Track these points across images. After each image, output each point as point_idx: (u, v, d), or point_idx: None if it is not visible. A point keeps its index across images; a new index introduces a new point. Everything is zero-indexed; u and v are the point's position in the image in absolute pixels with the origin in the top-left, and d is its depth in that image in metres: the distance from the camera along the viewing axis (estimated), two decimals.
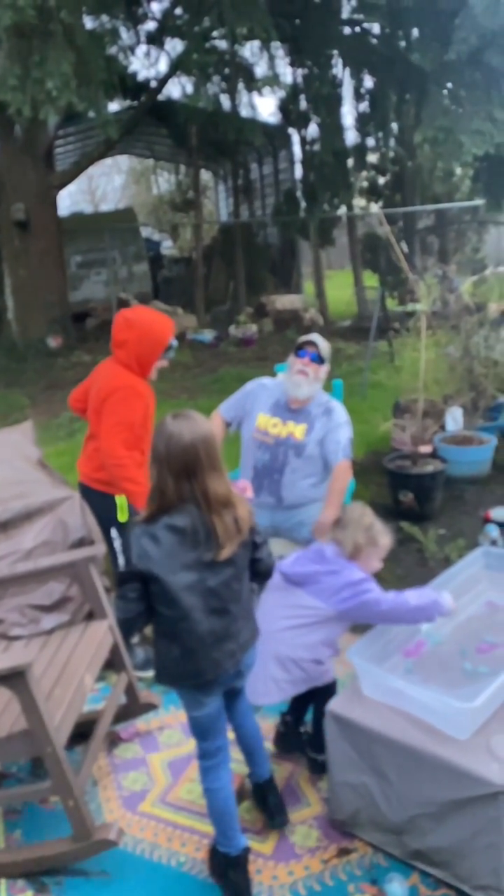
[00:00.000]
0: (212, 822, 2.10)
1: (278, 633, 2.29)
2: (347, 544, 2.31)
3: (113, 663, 2.69)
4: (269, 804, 2.27)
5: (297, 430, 3.18)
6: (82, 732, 2.44)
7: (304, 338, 3.25)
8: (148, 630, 3.16)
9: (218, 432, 3.30)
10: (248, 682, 2.27)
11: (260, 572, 2.06)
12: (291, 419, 3.21)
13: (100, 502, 3.04)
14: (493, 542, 3.85)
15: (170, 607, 1.85)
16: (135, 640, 3.17)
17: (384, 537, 2.35)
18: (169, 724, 2.80)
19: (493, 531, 3.94)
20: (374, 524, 2.35)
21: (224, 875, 2.08)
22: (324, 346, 3.21)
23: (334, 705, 2.19)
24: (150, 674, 3.04)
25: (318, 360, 3.17)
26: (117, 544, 3.04)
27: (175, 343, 3.05)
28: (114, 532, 3.05)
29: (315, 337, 3.24)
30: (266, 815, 2.28)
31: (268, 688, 2.30)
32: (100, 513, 3.05)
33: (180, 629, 1.87)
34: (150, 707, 2.84)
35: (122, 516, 2.97)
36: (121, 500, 3.00)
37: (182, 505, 1.84)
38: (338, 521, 2.40)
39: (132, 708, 2.78)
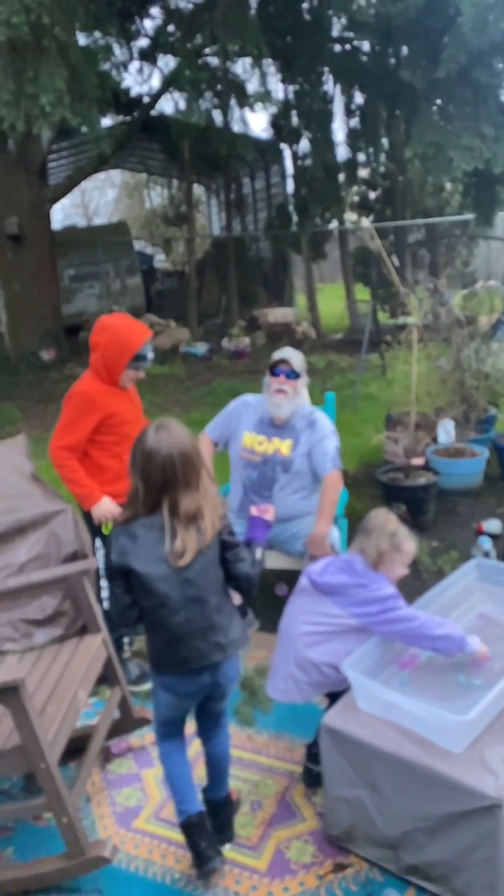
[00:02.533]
0: (169, 788, 2.21)
1: (301, 636, 2.33)
2: (371, 551, 2.31)
3: (106, 678, 2.68)
4: (216, 822, 2.27)
5: (283, 446, 3.19)
6: (76, 748, 2.43)
7: (276, 356, 3.23)
8: (140, 644, 3.17)
9: (207, 452, 3.34)
10: (270, 679, 2.40)
11: (231, 575, 2.07)
12: (277, 435, 3.21)
13: (85, 514, 3.05)
14: (486, 554, 3.86)
15: (147, 597, 1.96)
16: (126, 654, 3.16)
17: (408, 543, 2.36)
18: None
19: (486, 543, 3.95)
20: (399, 530, 2.35)
21: (189, 842, 2.16)
22: (297, 359, 3.20)
23: (328, 719, 2.19)
24: (143, 688, 3.03)
25: (294, 375, 3.16)
26: (100, 555, 3.04)
27: (150, 354, 2.99)
28: (98, 543, 3.05)
29: (286, 353, 3.22)
30: (212, 829, 2.26)
31: (288, 686, 2.35)
32: (88, 523, 3.05)
33: (160, 617, 1.97)
34: (144, 722, 2.82)
35: (106, 529, 2.97)
36: None
37: (154, 513, 1.96)
38: (361, 529, 2.39)
39: (126, 723, 2.76)
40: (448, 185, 11.78)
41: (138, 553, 1.93)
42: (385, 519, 2.37)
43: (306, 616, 2.36)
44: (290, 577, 3.63)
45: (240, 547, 2.07)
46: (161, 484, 1.92)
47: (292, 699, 2.39)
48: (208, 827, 2.18)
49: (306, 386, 3.47)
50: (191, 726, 2.28)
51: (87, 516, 3.05)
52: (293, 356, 3.20)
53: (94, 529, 3.02)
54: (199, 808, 2.19)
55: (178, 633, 1.98)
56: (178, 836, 2.31)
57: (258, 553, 2.14)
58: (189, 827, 2.16)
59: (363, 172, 12.89)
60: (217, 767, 2.29)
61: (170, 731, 2.21)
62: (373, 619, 2.27)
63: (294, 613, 2.41)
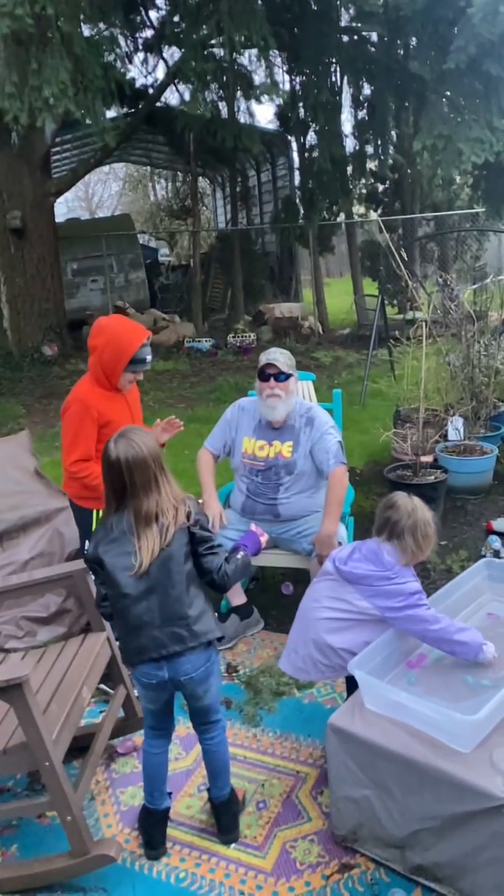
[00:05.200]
0: (143, 781, 2.30)
1: (322, 621, 2.34)
2: (410, 542, 2.30)
3: (111, 676, 2.66)
4: (221, 822, 2.32)
5: (284, 449, 3.16)
6: (80, 746, 2.42)
7: (262, 360, 3.17)
8: None
9: (208, 468, 3.32)
10: (286, 655, 2.45)
11: (203, 570, 2.10)
12: (277, 438, 3.19)
13: (77, 515, 3.02)
14: (496, 553, 3.82)
15: (111, 587, 2.06)
16: None
17: (433, 525, 2.39)
18: None
19: (496, 542, 3.91)
20: (429, 514, 2.37)
21: (143, 826, 2.30)
22: (283, 360, 3.14)
23: (335, 719, 2.17)
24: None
25: (283, 377, 3.11)
26: None
27: (148, 357, 2.90)
28: (87, 544, 2.99)
29: (272, 356, 3.16)
30: (218, 829, 2.32)
31: (306, 666, 2.39)
32: (79, 525, 3.03)
33: (121, 607, 2.06)
34: None
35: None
36: (98, 514, 2.95)
37: (121, 512, 2.08)
38: (392, 520, 2.34)
39: (130, 722, 2.74)
40: (458, 178, 11.67)
41: (107, 544, 2.05)
42: (415, 505, 2.36)
43: (329, 601, 2.37)
44: (297, 576, 3.62)
45: (212, 541, 2.11)
46: (120, 489, 2.04)
47: (309, 678, 2.45)
48: (165, 822, 2.30)
49: (299, 380, 3.43)
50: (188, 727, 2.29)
51: (79, 518, 3.01)
52: (279, 358, 3.14)
53: (86, 531, 2.98)
54: (164, 804, 2.30)
55: (137, 623, 2.05)
56: (182, 836, 2.31)
57: (240, 555, 2.19)
58: (149, 814, 2.29)
59: (371, 165, 12.81)
60: (212, 765, 2.30)
61: (153, 726, 2.25)
62: (395, 614, 2.27)
63: (317, 596, 2.42)
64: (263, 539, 2.37)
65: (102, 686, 2.80)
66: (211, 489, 3.28)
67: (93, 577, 2.21)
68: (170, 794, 2.35)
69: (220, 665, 2.27)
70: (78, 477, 2.85)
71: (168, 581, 2.03)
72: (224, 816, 2.30)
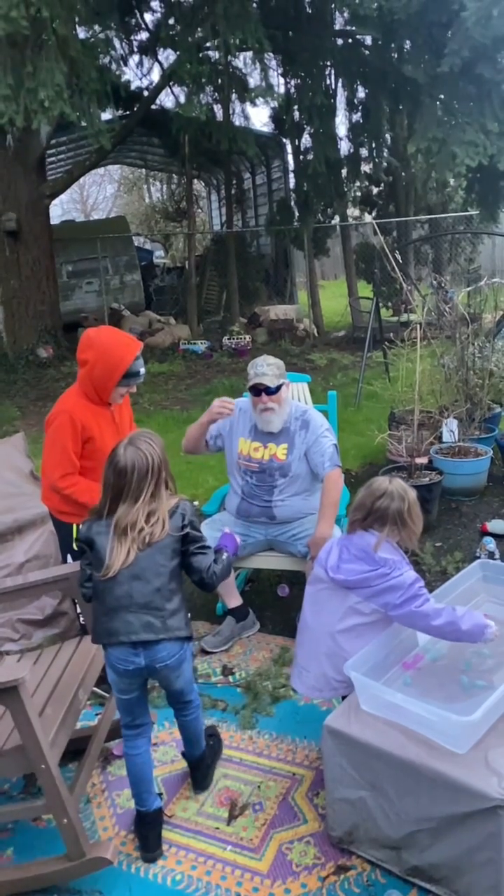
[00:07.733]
0: (130, 785, 2.32)
1: (336, 634, 2.33)
2: (409, 532, 2.32)
3: (106, 679, 2.65)
4: (194, 776, 2.52)
5: (279, 451, 3.18)
6: (75, 749, 2.42)
7: (251, 377, 3.13)
8: None
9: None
10: (301, 676, 2.44)
11: (192, 569, 2.20)
12: (272, 441, 3.20)
13: (58, 529, 2.99)
14: (491, 555, 3.83)
15: (97, 568, 2.13)
16: None
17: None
18: (163, 741, 2.76)
19: (491, 543, 3.92)
20: (414, 491, 2.37)
21: (138, 829, 2.32)
22: (272, 372, 3.10)
23: (331, 720, 2.17)
24: None
25: (274, 390, 3.10)
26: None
27: (142, 369, 2.82)
28: (69, 558, 2.96)
29: (260, 369, 3.11)
30: (192, 782, 2.52)
31: (320, 683, 2.38)
32: (59, 539, 3.01)
33: (104, 588, 2.12)
34: None
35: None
36: (77, 528, 2.92)
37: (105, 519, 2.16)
38: (387, 510, 2.29)
39: None
40: (451, 181, 11.72)
41: (101, 528, 2.14)
42: (403, 486, 2.34)
43: (337, 614, 2.32)
44: (292, 578, 3.63)
45: (203, 541, 2.20)
46: (114, 494, 2.12)
47: (325, 696, 2.47)
48: (160, 823, 2.32)
49: (295, 383, 3.42)
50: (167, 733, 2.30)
51: (60, 532, 2.98)
52: (267, 372, 3.10)
53: (67, 546, 2.94)
54: (155, 805, 2.31)
55: (115, 605, 2.10)
56: (179, 838, 2.31)
57: (224, 556, 2.32)
58: (142, 817, 2.31)
59: (366, 168, 12.83)
60: (187, 734, 2.45)
61: (129, 723, 2.28)
62: (397, 611, 2.25)
63: (323, 609, 2.36)
64: (238, 539, 2.52)
65: (97, 690, 2.79)
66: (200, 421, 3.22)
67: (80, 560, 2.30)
68: (160, 794, 2.36)
69: (192, 651, 2.33)
70: (65, 492, 2.79)
71: (152, 571, 2.10)
72: (196, 771, 2.49)
